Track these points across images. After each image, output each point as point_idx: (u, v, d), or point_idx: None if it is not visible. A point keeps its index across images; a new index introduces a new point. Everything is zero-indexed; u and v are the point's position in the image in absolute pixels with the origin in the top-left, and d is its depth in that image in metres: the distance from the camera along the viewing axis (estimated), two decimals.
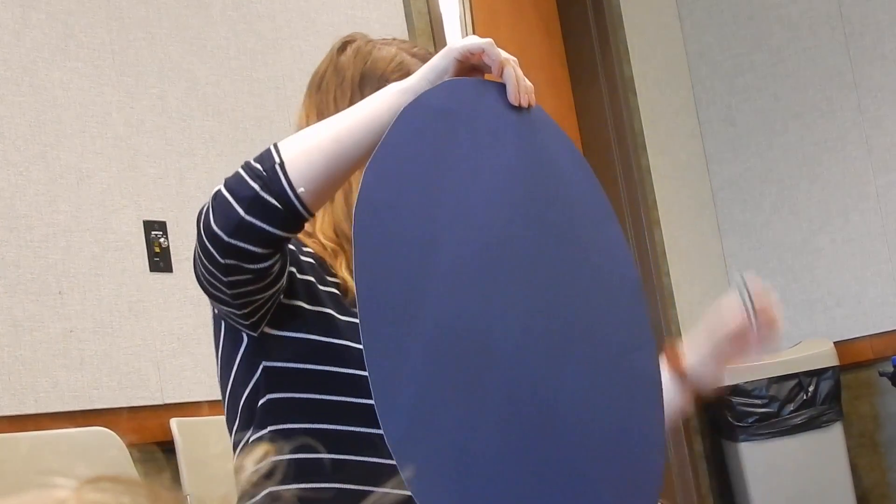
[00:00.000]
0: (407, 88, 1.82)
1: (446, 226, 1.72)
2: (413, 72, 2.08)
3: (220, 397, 1.98)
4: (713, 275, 5.63)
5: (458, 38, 1.87)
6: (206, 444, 2.00)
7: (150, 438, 2.91)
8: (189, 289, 3.09)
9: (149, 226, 3.06)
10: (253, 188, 1.82)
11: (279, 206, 1.80)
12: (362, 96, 2.05)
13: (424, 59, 2.12)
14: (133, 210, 3.04)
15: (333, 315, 1.94)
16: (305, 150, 1.84)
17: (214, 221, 1.83)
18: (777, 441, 5.04)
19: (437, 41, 4.19)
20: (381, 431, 1.58)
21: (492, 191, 1.79)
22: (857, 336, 5.35)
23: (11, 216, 2.79)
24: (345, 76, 2.10)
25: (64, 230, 2.88)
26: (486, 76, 1.87)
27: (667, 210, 5.25)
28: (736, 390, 5.08)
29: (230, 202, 1.82)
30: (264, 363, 1.94)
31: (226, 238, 1.81)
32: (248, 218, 1.80)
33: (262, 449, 0.70)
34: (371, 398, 1.59)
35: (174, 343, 3.03)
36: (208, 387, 2.84)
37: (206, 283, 1.88)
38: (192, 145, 3.21)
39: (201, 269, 1.87)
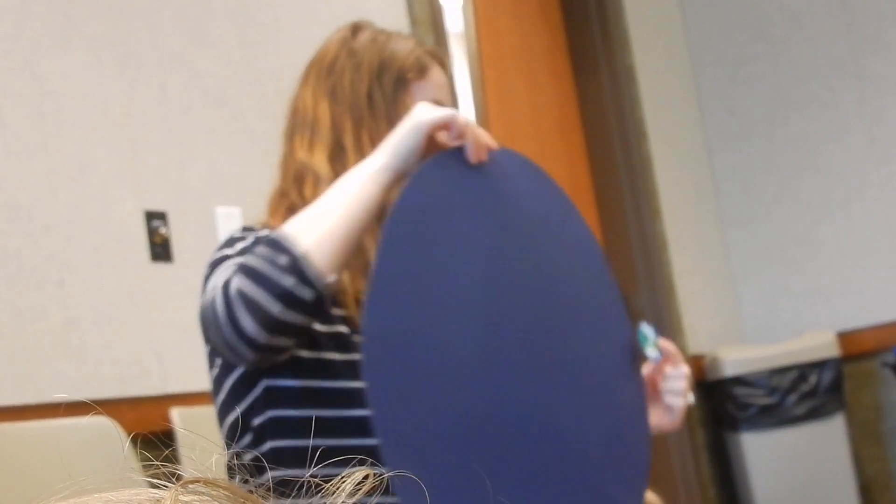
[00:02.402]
0: (384, 167, 1.85)
1: (450, 317, 1.79)
2: (430, 72, 2.09)
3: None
4: (715, 265, 5.63)
5: (423, 111, 1.89)
6: (207, 434, 2.00)
7: (152, 429, 2.90)
8: (190, 279, 3.08)
9: (150, 216, 3.06)
10: (285, 285, 1.78)
11: (314, 297, 1.78)
12: (380, 85, 2.06)
13: (437, 59, 2.12)
14: (134, 200, 3.04)
15: (333, 360, 1.94)
16: (323, 238, 1.82)
17: (246, 324, 1.79)
18: (779, 432, 5.04)
19: (439, 31, 4.18)
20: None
21: (481, 264, 1.86)
22: (860, 326, 5.35)
23: (12, 206, 2.78)
24: (361, 61, 2.09)
25: (65, 220, 2.88)
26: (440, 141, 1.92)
27: (668, 200, 5.25)
28: (738, 381, 5.08)
29: (261, 303, 1.78)
30: (266, 382, 1.94)
31: (263, 340, 1.79)
32: (285, 315, 1.78)
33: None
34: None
35: (175, 333, 3.03)
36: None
37: (227, 358, 1.88)
38: (192, 135, 3.21)
39: (224, 353, 1.85)
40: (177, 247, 3.11)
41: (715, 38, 5.77)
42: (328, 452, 1.83)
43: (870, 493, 5.31)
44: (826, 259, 5.46)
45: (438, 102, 2.06)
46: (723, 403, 5.15)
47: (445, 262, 1.81)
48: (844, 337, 5.24)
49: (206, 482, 0.62)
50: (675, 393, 2.10)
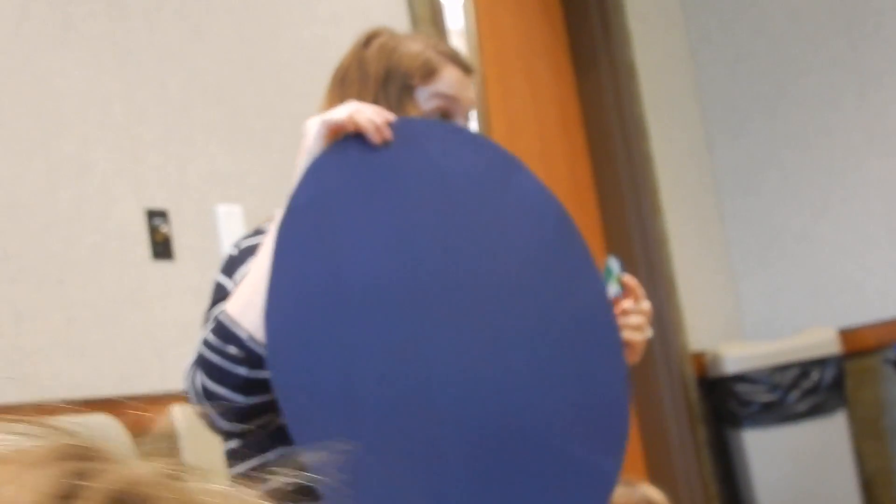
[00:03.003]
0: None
1: (357, 307, 1.75)
2: (439, 72, 2.07)
3: None
4: (716, 262, 5.63)
5: (305, 130, 1.89)
6: (207, 433, 2.01)
7: (153, 427, 2.90)
8: (190, 277, 3.08)
9: (151, 214, 3.05)
10: (241, 375, 1.79)
11: (268, 374, 1.79)
12: (385, 95, 2.05)
13: (451, 58, 2.11)
14: (134, 199, 3.03)
15: None
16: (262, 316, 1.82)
17: (218, 421, 1.84)
18: (781, 428, 5.04)
19: (440, 29, 4.18)
20: None
21: (399, 242, 1.83)
22: (861, 323, 5.34)
23: (12, 205, 2.78)
24: (369, 72, 2.07)
25: (65, 219, 2.87)
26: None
27: (669, 196, 5.24)
28: (739, 378, 5.08)
29: (225, 396, 1.80)
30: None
31: (238, 428, 1.84)
32: (252, 401, 1.80)
33: None
34: None
35: (176, 331, 3.02)
36: None
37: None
38: (192, 133, 3.21)
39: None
40: (178, 245, 3.10)
41: (715, 35, 5.76)
42: None
43: (871, 490, 5.30)
44: (827, 255, 5.46)
45: (449, 97, 2.06)
46: (724, 400, 5.14)
47: (352, 248, 1.78)
48: (846, 333, 5.23)
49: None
50: (633, 328, 2.08)
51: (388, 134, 1.87)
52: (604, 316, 1.96)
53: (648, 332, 2.10)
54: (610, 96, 5.18)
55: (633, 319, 2.07)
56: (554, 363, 1.87)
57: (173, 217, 3.11)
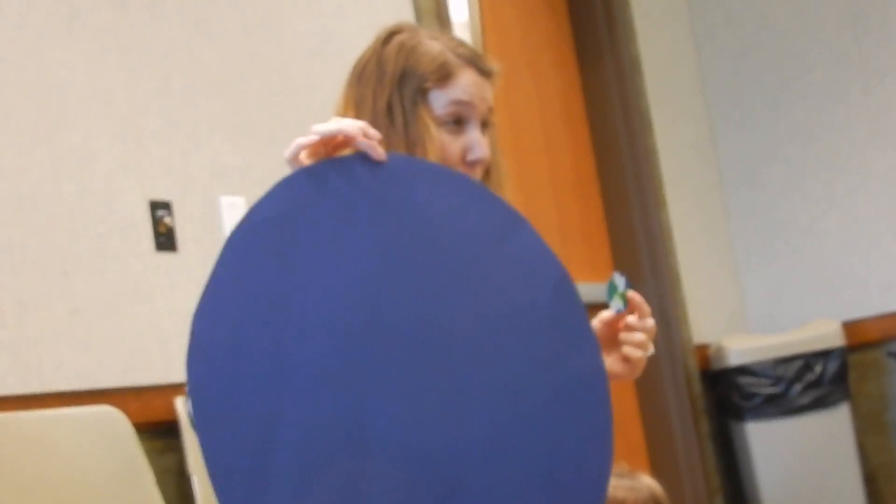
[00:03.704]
0: None
1: (296, 337, 1.65)
2: (455, 76, 2.04)
3: None
4: (720, 255, 5.63)
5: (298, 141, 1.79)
6: None
7: (156, 418, 2.91)
8: (194, 268, 3.09)
9: (154, 206, 3.06)
10: None
11: None
12: (400, 97, 2.02)
13: (469, 61, 2.08)
14: (138, 190, 3.04)
15: None
16: None
17: None
18: (784, 421, 5.04)
19: (443, 22, 4.18)
20: None
21: (354, 276, 1.70)
22: (865, 316, 5.35)
23: (16, 197, 2.79)
24: (386, 71, 2.04)
25: (69, 210, 2.88)
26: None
27: (673, 190, 5.24)
28: (743, 370, 5.08)
29: None
30: None
31: None
32: None
33: None
34: None
35: (180, 322, 3.03)
36: None
37: None
38: (196, 125, 3.21)
39: None
40: (181, 237, 3.11)
41: (720, 29, 5.76)
42: None
43: (875, 483, 5.31)
44: (831, 249, 5.46)
45: (464, 103, 2.03)
46: (727, 393, 5.15)
47: (303, 276, 1.67)
48: (849, 327, 5.24)
49: None
50: (635, 345, 2.05)
51: (372, 133, 1.76)
52: (595, 392, 1.79)
53: (650, 350, 2.06)
54: (614, 90, 5.18)
55: (637, 336, 2.04)
56: (522, 432, 1.72)
57: (177, 209, 3.11)
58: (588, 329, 1.82)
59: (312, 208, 1.71)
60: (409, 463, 1.65)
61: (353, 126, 1.76)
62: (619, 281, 2.04)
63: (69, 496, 2.56)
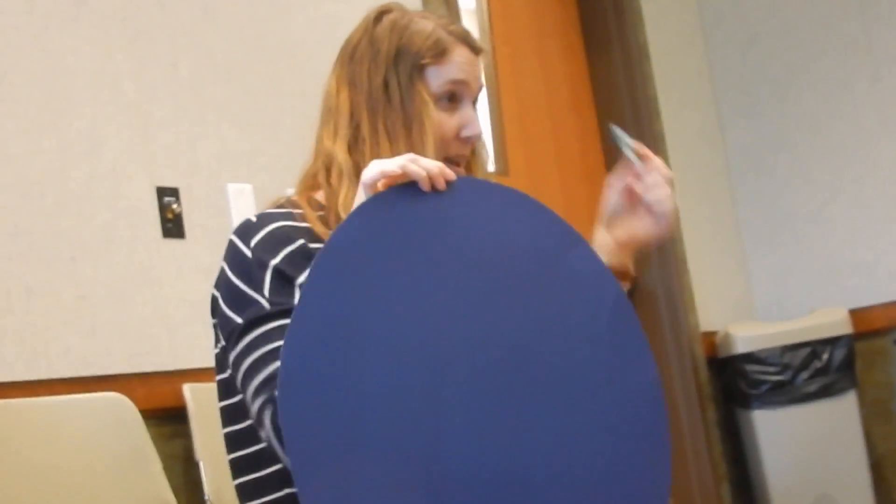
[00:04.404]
0: None
1: (373, 364, 1.66)
2: (450, 52, 2.06)
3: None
4: (727, 243, 5.63)
5: (367, 170, 1.80)
6: (217, 411, 2.01)
7: (163, 404, 2.92)
8: (201, 255, 3.09)
9: (161, 192, 3.06)
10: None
11: None
12: (396, 73, 2.03)
13: (462, 38, 2.09)
14: (145, 177, 3.04)
15: None
16: None
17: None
18: (791, 409, 5.04)
19: (451, 7, 4.18)
20: None
21: (432, 299, 1.73)
22: (872, 304, 5.34)
23: (24, 183, 2.79)
24: (380, 49, 2.05)
25: (76, 197, 2.88)
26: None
27: (680, 178, 5.22)
28: (749, 358, 5.08)
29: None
30: None
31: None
32: None
33: None
34: None
35: (186, 309, 3.03)
36: None
37: None
38: (203, 112, 3.21)
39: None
40: (189, 223, 3.11)
41: (728, 16, 5.75)
42: None
43: (881, 471, 5.31)
44: (838, 237, 5.45)
45: (460, 82, 2.05)
46: (734, 380, 5.15)
47: (384, 298, 1.70)
48: (856, 314, 5.23)
49: None
50: (660, 201, 2.05)
51: (440, 184, 1.78)
52: (654, 408, 1.85)
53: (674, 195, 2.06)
54: (622, 77, 5.18)
55: (661, 191, 2.04)
56: (587, 451, 1.77)
57: (184, 195, 3.11)
58: (646, 344, 1.87)
59: (386, 234, 1.74)
60: (481, 487, 1.67)
61: (435, 168, 1.78)
62: (619, 132, 2.04)
63: (76, 482, 2.56)
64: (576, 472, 1.75)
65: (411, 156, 1.79)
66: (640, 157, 2.05)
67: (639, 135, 5.08)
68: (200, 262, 3.09)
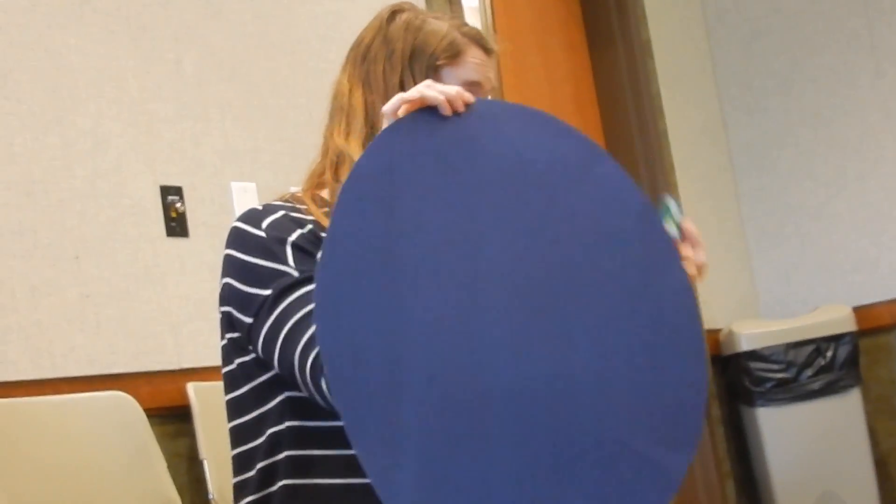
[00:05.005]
0: None
1: (409, 286, 1.68)
2: (464, 53, 2.06)
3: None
4: (730, 240, 5.62)
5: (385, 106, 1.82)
6: (222, 409, 2.00)
7: (167, 403, 2.91)
8: (205, 253, 3.09)
9: (165, 191, 3.06)
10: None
11: None
12: (412, 74, 2.03)
13: (475, 39, 2.09)
14: (149, 175, 3.04)
15: None
16: None
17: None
18: (795, 406, 5.04)
19: (454, 5, 4.17)
20: None
21: (464, 219, 1.76)
22: (876, 301, 5.34)
23: (28, 181, 2.79)
24: (395, 49, 2.04)
25: (80, 195, 2.88)
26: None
27: (684, 174, 5.23)
28: (754, 355, 5.08)
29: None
30: (287, 393, 1.92)
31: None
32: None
33: None
34: None
35: (190, 308, 3.03)
36: None
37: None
38: (207, 110, 3.21)
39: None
40: (192, 222, 3.11)
41: (731, 12, 5.75)
42: (348, 461, 1.80)
43: (885, 468, 5.30)
44: (841, 233, 5.45)
45: (474, 83, 2.04)
46: (739, 378, 5.14)
47: (414, 219, 1.72)
48: (860, 311, 5.23)
49: None
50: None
51: (459, 106, 1.80)
52: (686, 310, 1.89)
53: (699, 282, 2.06)
54: (624, 73, 5.17)
55: (689, 270, 2.04)
56: (625, 356, 1.80)
57: (188, 194, 3.11)
58: (673, 250, 1.93)
59: (411, 157, 1.76)
60: (522, 400, 1.69)
61: (453, 92, 1.80)
62: (672, 204, 2.04)
63: (81, 481, 2.56)
64: (615, 377, 1.78)
65: (428, 82, 1.81)
66: (684, 233, 2.04)
67: (642, 132, 5.08)
68: (204, 260, 3.08)
